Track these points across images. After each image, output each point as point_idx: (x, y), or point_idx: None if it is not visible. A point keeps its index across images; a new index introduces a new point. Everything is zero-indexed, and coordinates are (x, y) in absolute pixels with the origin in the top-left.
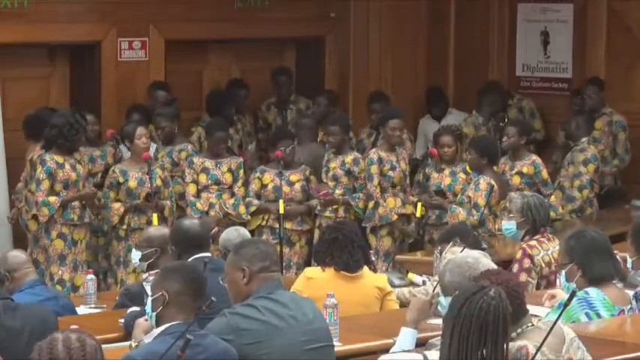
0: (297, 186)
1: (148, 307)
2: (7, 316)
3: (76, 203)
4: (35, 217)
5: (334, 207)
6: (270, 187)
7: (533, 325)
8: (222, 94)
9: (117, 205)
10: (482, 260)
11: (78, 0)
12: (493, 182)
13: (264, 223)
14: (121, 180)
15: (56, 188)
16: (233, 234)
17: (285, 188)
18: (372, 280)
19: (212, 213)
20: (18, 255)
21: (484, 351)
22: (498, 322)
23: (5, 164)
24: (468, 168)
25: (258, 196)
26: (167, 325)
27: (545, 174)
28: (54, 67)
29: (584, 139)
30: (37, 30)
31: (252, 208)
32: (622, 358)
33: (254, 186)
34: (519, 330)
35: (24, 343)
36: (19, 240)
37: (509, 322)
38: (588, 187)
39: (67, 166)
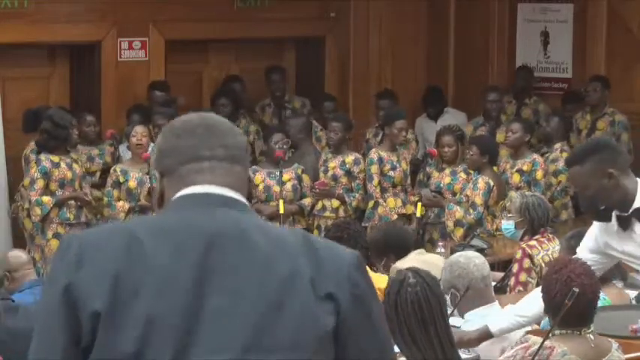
0: (289, 185)
1: None
2: (7, 317)
3: (73, 202)
4: (30, 215)
5: (333, 206)
6: (260, 187)
7: (580, 334)
8: (218, 90)
9: (121, 202)
10: (475, 260)
11: (78, 0)
12: (491, 182)
13: None
14: (122, 180)
15: (52, 187)
16: None
17: (276, 188)
18: (375, 281)
19: None
20: (19, 255)
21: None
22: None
23: (5, 164)
24: (469, 169)
25: (251, 196)
26: None
27: (539, 175)
28: (54, 67)
29: (557, 145)
30: (37, 30)
31: None
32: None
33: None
34: (564, 332)
35: (24, 345)
36: (20, 239)
37: (431, 311)
38: (559, 198)
39: (63, 165)
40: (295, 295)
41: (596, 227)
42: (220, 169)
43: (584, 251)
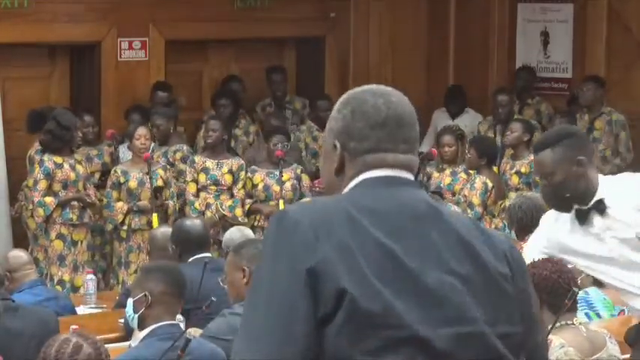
0: (288, 185)
1: (129, 309)
2: (7, 317)
3: (76, 203)
4: (34, 216)
5: None
6: (260, 186)
7: (574, 324)
8: (218, 90)
9: (119, 203)
10: None
11: (78, 0)
12: (489, 182)
13: (256, 223)
14: (122, 180)
15: (55, 188)
16: (236, 234)
17: (276, 187)
18: None
19: (208, 214)
20: (19, 255)
21: None
22: None
23: (5, 164)
24: (468, 169)
25: (250, 196)
26: (152, 327)
27: None
28: (54, 67)
29: None
30: (37, 30)
31: (246, 207)
32: (622, 358)
33: (245, 186)
34: (558, 324)
35: (24, 345)
36: (20, 239)
37: None
38: None
39: (66, 166)
40: (490, 271)
41: (545, 229)
42: (400, 158)
43: (535, 252)
